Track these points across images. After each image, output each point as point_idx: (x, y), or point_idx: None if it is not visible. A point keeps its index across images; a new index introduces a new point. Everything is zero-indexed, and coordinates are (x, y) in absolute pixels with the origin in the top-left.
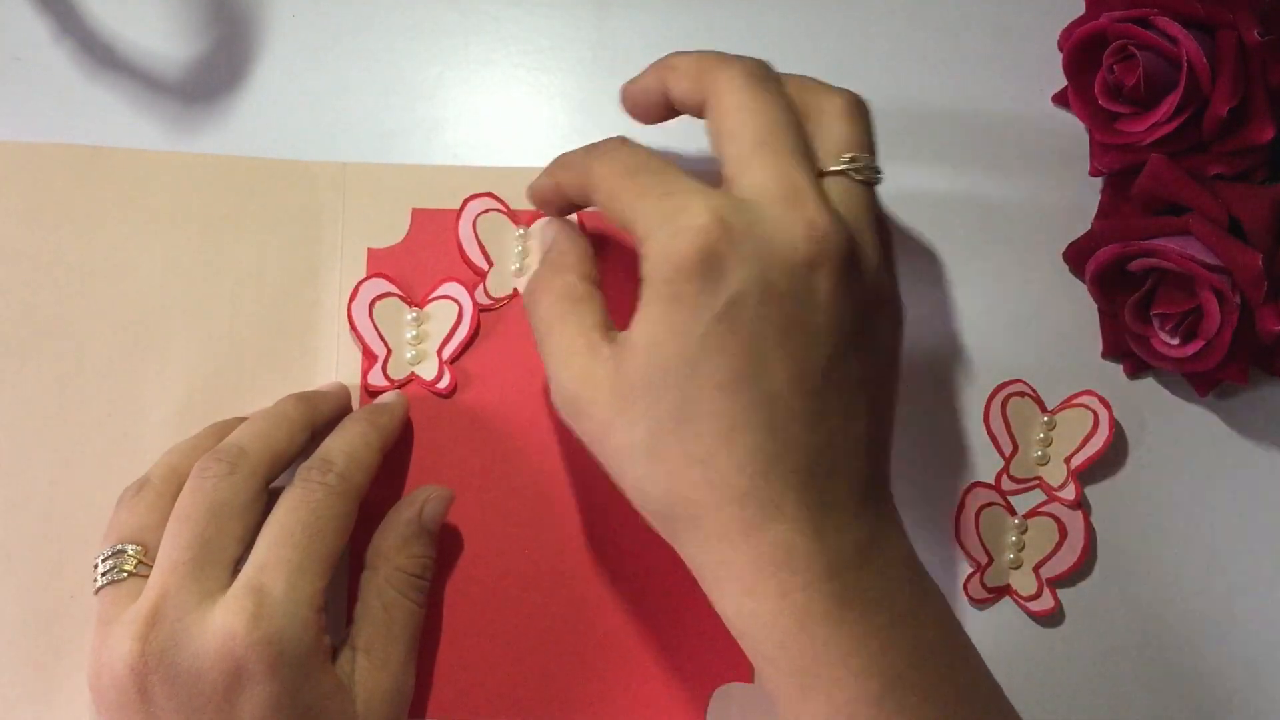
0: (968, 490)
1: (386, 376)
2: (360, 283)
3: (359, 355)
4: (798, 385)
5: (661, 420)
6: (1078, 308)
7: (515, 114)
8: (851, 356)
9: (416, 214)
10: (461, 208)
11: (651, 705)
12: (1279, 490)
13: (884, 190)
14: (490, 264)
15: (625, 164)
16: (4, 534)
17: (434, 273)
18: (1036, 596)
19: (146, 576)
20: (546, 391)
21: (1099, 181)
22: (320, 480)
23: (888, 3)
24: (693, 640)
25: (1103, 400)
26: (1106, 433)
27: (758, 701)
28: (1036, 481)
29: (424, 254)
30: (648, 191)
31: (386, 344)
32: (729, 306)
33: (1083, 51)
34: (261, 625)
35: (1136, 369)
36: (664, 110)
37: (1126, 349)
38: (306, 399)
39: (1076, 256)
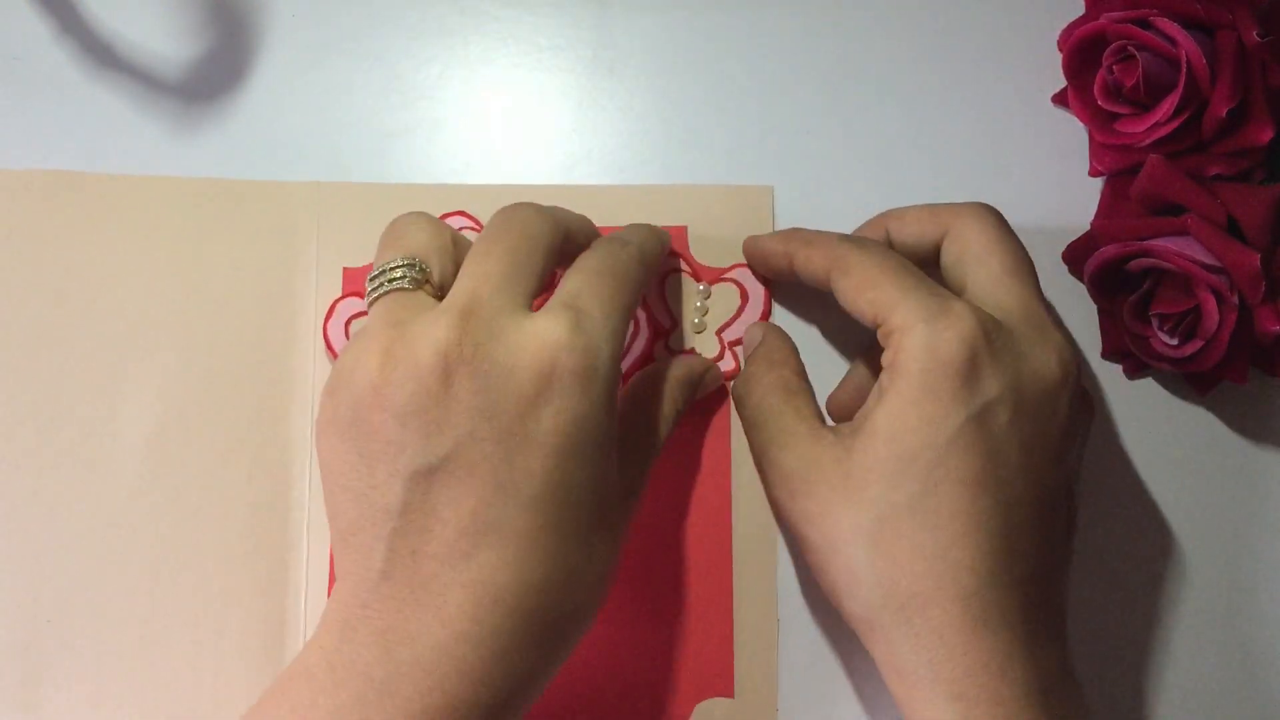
0: None
1: None
2: (336, 301)
3: None
4: (1033, 498)
5: (897, 507)
6: (1077, 308)
7: (515, 113)
8: (1073, 478)
9: None
10: None
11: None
12: (1278, 490)
13: (881, 196)
14: None
15: (888, 260)
16: None
17: None
18: None
19: (432, 295)
20: None
21: (1098, 182)
22: (621, 247)
23: (887, 3)
24: (677, 655)
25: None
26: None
27: (740, 716)
28: None
29: None
30: (913, 288)
31: None
32: (983, 410)
33: (1082, 52)
34: (583, 336)
35: (1136, 369)
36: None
37: (1126, 349)
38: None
39: (1075, 257)
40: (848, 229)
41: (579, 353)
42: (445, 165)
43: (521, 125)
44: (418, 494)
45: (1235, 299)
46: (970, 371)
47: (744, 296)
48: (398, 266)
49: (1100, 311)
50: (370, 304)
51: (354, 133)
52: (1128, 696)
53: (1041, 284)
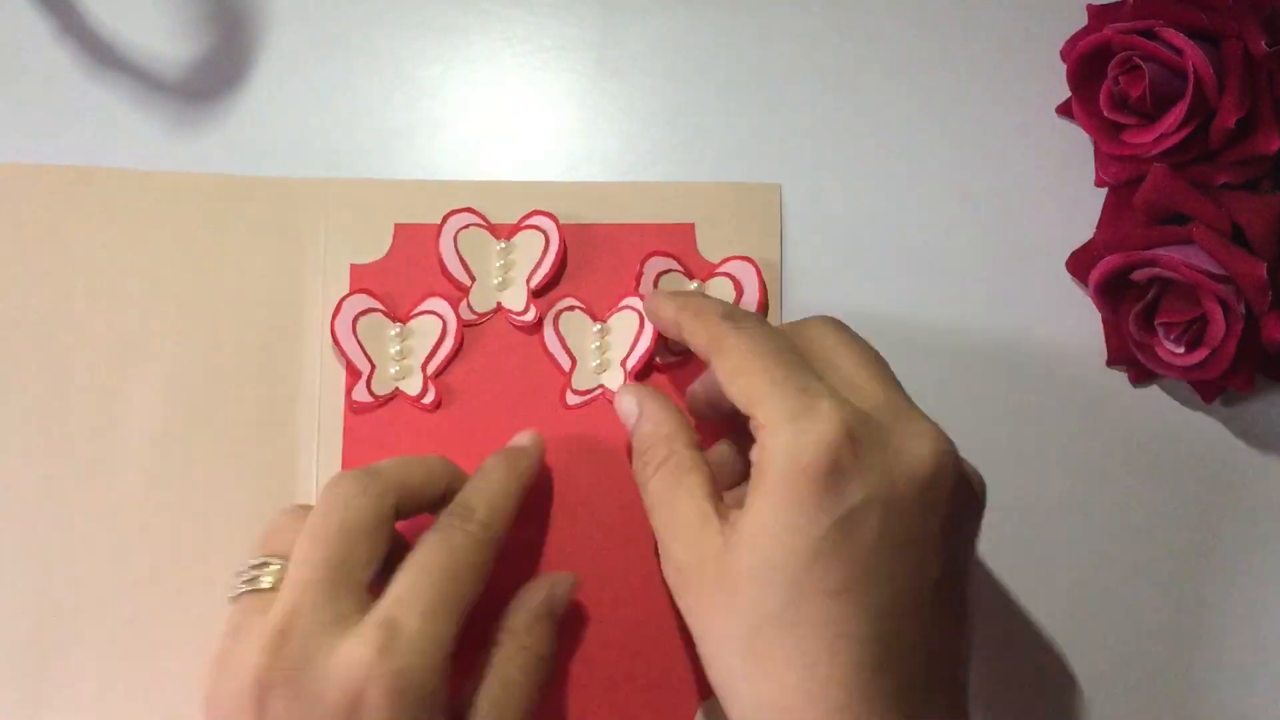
0: None
1: (371, 392)
2: (343, 299)
3: (343, 371)
4: (909, 600)
5: (766, 617)
6: (1082, 316)
7: (519, 114)
8: (960, 572)
9: (399, 229)
10: (442, 223)
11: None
12: None
13: (887, 200)
14: (472, 279)
15: (762, 345)
16: None
17: (417, 288)
18: None
19: None
20: (529, 405)
21: (1101, 191)
22: (461, 526)
23: (891, 12)
24: (679, 655)
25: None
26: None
27: None
28: None
29: (407, 269)
30: (780, 382)
31: (370, 359)
32: (849, 515)
33: (1087, 63)
34: (391, 659)
35: (1141, 377)
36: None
37: (1131, 357)
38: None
39: (1080, 266)
40: (853, 228)
41: (388, 678)
42: (447, 165)
43: (525, 126)
44: None
45: (1241, 308)
46: (832, 478)
47: (738, 289)
48: (258, 564)
49: (1104, 320)
50: (230, 603)
51: (357, 132)
52: (1126, 697)
53: (1045, 293)
